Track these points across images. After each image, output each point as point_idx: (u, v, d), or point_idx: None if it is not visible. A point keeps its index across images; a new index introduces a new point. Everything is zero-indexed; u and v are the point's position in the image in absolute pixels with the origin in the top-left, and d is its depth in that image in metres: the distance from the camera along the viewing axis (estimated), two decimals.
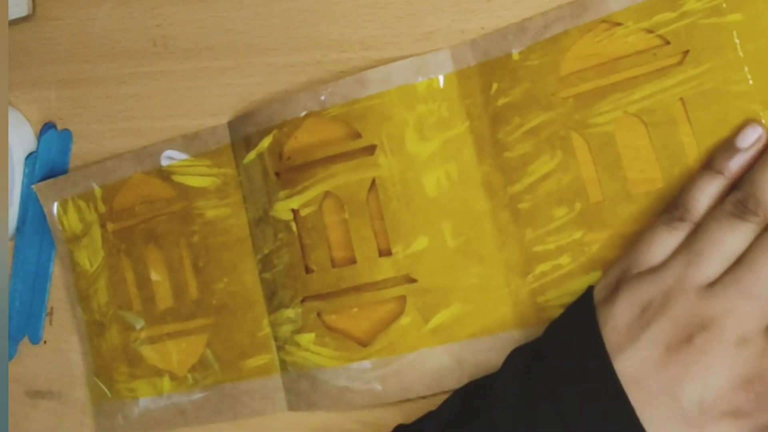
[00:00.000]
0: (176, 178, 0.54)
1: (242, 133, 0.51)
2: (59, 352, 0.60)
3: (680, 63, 0.41)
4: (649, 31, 0.42)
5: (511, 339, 0.44)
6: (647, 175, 0.42)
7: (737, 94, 0.40)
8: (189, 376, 0.54)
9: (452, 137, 0.46)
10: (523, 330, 0.44)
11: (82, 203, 0.57)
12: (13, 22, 0.61)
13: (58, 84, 0.60)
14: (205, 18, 0.54)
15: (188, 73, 0.55)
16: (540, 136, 0.44)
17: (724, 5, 0.40)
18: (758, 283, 0.36)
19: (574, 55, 0.43)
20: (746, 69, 0.40)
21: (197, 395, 0.54)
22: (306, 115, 0.48)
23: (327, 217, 0.49)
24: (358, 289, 0.48)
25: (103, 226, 0.56)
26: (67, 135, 0.59)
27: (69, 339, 0.60)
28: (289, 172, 0.49)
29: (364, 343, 0.48)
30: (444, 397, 0.44)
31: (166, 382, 0.55)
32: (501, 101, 0.45)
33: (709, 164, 0.40)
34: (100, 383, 0.57)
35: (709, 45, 0.40)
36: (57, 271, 0.60)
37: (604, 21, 0.42)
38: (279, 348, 0.50)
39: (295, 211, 0.49)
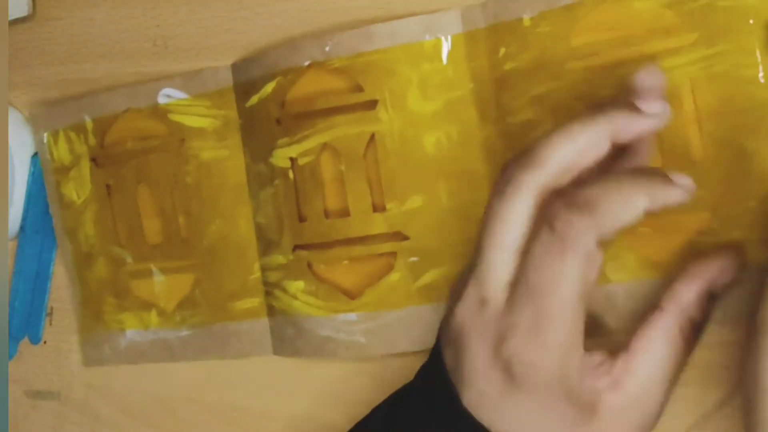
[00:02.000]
0: (172, 117, 0.53)
1: (246, 76, 0.50)
2: (59, 352, 0.60)
3: (693, 43, 0.40)
4: (666, 8, 0.41)
5: None
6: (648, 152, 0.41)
7: (747, 79, 0.39)
8: (177, 313, 0.54)
9: (455, 98, 0.45)
10: None
11: (72, 134, 0.56)
12: (13, 22, 0.60)
13: (58, 84, 0.60)
14: (205, 18, 0.54)
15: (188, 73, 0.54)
16: (545, 104, 0.43)
17: None
18: None
19: (586, 26, 0.43)
20: (758, 54, 0.39)
21: (184, 332, 0.54)
22: (309, 65, 0.48)
23: (324, 168, 0.48)
24: (349, 241, 0.48)
25: (93, 159, 0.56)
26: None
27: (69, 339, 0.60)
28: (290, 119, 0.49)
29: (351, 296, 0.48)
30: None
31: (153, 317, 0.55)
32: (508, 66, 0.44)
33: None
34: (87, 313, 0.58)
35: (723, 27, 0.40)
36: (57, 271, 0.60)
37: None
38: (267, 293, 0.51)
39: (293, 160, 0.49)
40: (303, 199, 0.49)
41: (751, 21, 0.39)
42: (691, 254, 0.40)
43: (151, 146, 0.54)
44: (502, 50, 0.44)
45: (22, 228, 0.59)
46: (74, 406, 0.60)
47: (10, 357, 0.60)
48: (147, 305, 0.55)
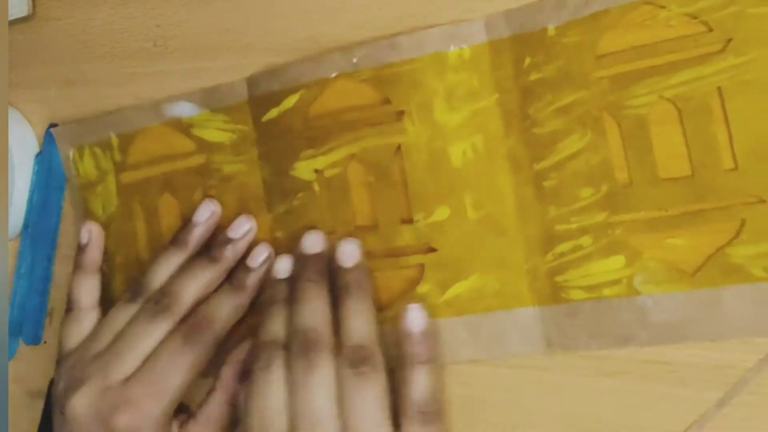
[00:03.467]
0: (195, 132, 0.53)
1: (263, 89, 0.50)
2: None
3: (722, 51, 0.40)
4: (693, 16, 0.40)
5: (526, 315, 0.44)
6: (677, 162, 0.41)
7: None
8: None
9: (480, 109, 0.45)
10: (540, 308, 0.44)
11: (98, 151, 0.56)
12: (13, 23, 0.60)
13: (58, 84, 0.60)
14: (205, 18, 0.54)
15: (188, 73, 0.54)
16: (571, 114, 0.43)
17: None
18: (157, 377, 0.46)
19: (613, 35, 0.42)
20: None
21: None
22: (337, 76, 0.48)
23: (352, 180, 0.48)
24: (378, 254, 0.47)
25: (118, 175, 0.56)
26: None
27: None
28: (315, 132, 0.49)
29: (380, 308, 0.48)
30: (457, 368, 0.46)
31: None
32: (533, 76, 0.44)
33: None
34: None
35: (754, 35, 0.39)
36: (57, 271, 0.60)
37: (647, 3, 0.41)
38: None
39: (318, 172, 0.49)
40: (329, 211, 0.48)
41: None
42: (721, 264, 0.40)
43: (177, 161, 0.54)
44: (527, 60, 0.44)
45: (24, 228, 0.59)
46: None
47: (10, 357, 0.60)
48: None
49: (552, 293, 0.44)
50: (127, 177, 0.56)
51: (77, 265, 0.53)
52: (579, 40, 0.43)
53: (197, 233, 0.51)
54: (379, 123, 0.47)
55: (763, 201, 0.39)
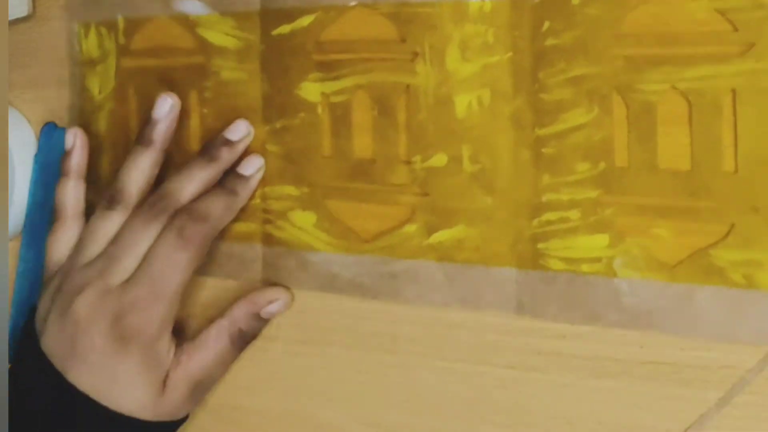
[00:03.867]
0: (200, 31, 0.53)
1: (278, 4, 0.50)
2: None
3: (743, 54, 0.39)
4: (721, 13, 0.39)
5: (503, 275, 0.45)
6: (678, 155, 0.41)
7: None
8: None
9: (492, 64, 0.45)
10: (519, 270, 0.45)
11: (103, 30, 0.56)
12: (13, 23, 0.59)
13: (58, 84, 0.59)
14: None
15: None
16: (581, 87, 0.43)
17: None
18: (156, 276, 0.46)
19: (637, 16, 0.41)
20: None
21: None
22: (356, 5, 0.47)
23: (356, 110, 0.48)
24: (371, 187, 0.48)
25: (119, 58, 0.56)
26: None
27: None
28: (326, 56, 0.49)
29: (364, 239, 0.48)
30: (430, 310, 0.47)
31: None
32: (549, 41, 0.43)
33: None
34: None
35: None
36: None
37: None
38: (267, 221, 0.51)
39: (324, 95, 0.48)
40: (330, 136, 0.49)
41: None
42: (702, 263, 0.40)
43: (177, 57, 0.54)
44: (546, 24, 0.43)
45: (24, 227, 0.58)
46: None
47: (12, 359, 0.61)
48: None
49: (532, 258, 0.44)
50: (128, 62, 0.56)
51: (63, 172, 0.52)
52: (602, 14, 0.42)
53: (160, 129, 0.51)
54: (392, 60, 0.47)
55: (756, 209, 0.39)
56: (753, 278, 0.39)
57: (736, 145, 0.40)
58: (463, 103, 0.45)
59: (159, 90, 0.53)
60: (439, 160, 0.46)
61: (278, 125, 0.50)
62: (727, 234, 0.40)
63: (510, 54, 0.44)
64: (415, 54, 0.46)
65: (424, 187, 0.46)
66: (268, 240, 0.51)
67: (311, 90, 0.49)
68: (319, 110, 0.49)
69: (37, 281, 0.57)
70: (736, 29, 0.39)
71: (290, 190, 0.50)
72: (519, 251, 0.45)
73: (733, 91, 0.39)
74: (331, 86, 0.48)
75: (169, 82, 0.54)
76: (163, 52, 0.54)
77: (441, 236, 0.46)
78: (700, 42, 0.40)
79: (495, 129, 0.45)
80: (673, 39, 0.41)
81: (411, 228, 0.47)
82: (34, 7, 0.60)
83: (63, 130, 0.56)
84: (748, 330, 0.40)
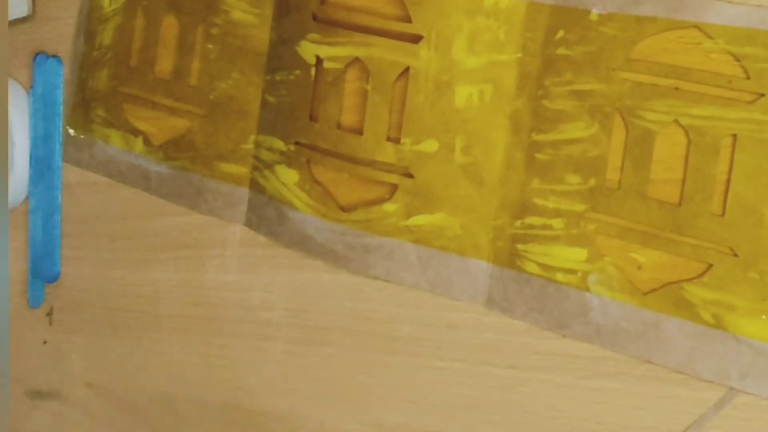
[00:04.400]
0: None
1: None
2: (59, 351, 0.59)
3: (751, 102, 0.39)
4: (736, 58, 0.39)
5: (478, 267, 0.46)
6: (669, 187, 0.42)
7: None
8: (162, 150, 0.54)
9: (499, 61, 0.44)
10: (492, 265, 0.45)
11: None
12: (13, 23, 0.57)
13: None
14: None
15: None
16: (584, 102, 0.43)
17: None
18: None
19: (651, 44, 0.41)
20: None
21: (165, 168, 0.54)
22: None
23: (348, 80, 0.47)
24: (355, 159, 0.48)
25: None
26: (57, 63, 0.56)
27: (69, 339, 0.59)
28: (326, 18, 0.47)
29: (343, 209, 0.48)
30: (397, 289, 0.47)
31: (139, 144, 0.55)
32: (561, 51, 0.43)
33: None
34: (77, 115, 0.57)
35: None
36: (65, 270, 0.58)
37: (696, 26, 0.40)
38: (256, 168, 0.51)
39: (319, 59, 0.47)
40: (319, 101, 0.48)
41: None
42: (675, 296, 0.41)
43: None
44: (560, 33, 0.43)
45: (30, 163, 0.58)
46: (74, 406, 0.60)
47: (37, 303, 0.60)
48: (135, 131, 0.55)
49: (509, 257, 0.45)
50: None
51: None
52: (617, 35, 0.41)
53: None
54: (395, 38, 0.46)
55: (735, 255, 0.40)
56: (722, 319, 0.41)
57: (726, 190, 0.40)
58: (463, 93, 0.45)
59: (167, 15, 0.52)
60: (431, 146, 0.46)
61: (277, 77, 0.49)
62: (704, 273, 0.41)
63: (519, 55, 0.44)
64: (420, 37, 0.45)
65: (409, 168, 0.46)
66: (255, 186, 0.51)
67: (308, 50, 0.48)
68: (312, 72, 0.48)
69: (48, 216, 0.56)
70: (748, 77, 0.39)
71: (279, 144, 0.50)
72: (497, 248, 0.45)
73: (734, 137, 0.40)
74: (326, 50, 0.47)
75: (178, 9, 0.53)
76: None
77: (420, 220, 0.47)
78: (711, 82, 0.40)
79: (492, 125, 0.45)
80: (684, 73, 0.40)
81: (390, 207, 0.47)
82: (34, 7, 0.58)
83: (56, 58, 0.55)
84: (709, 367, 0.41)
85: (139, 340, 0.57)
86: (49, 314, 0.61)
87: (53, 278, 0.61)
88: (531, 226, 0.44)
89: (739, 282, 0.40)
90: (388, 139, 0.47)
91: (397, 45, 0.45)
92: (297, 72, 0.48)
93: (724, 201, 0.40)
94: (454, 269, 0.46)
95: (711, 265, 0.41)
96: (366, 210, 0.47)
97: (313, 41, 0.47)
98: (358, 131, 0.47)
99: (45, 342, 0.62)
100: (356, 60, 0.47)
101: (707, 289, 0.41)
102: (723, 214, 0.40)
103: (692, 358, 0.41)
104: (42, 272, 0.60)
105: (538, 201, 0.44)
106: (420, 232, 0.46)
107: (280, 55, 0.49)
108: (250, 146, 0.51)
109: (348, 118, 0.48)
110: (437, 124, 0.45)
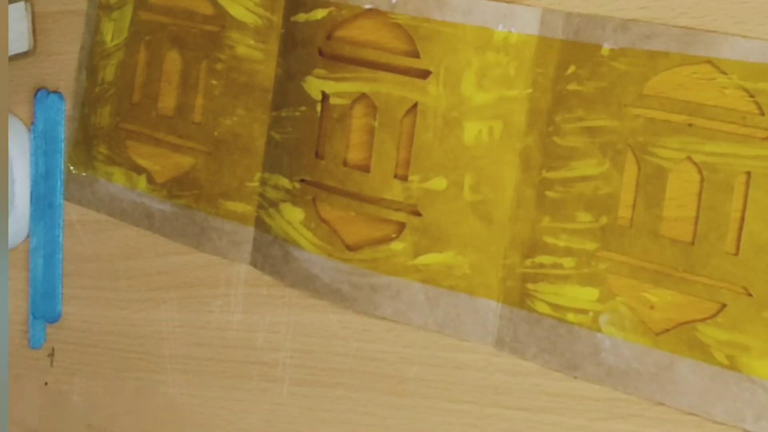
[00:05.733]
0: (222, 1, 0.51)
1: None
2: (60, 393, 0.59)
3: (766, 139, 0.39)
4: (750, 94, 0.39)
5: (487, 307, 0.45)
6: (682, 225, 0.41)
7: None
8: (166, 188, 0.53)
9: (510, 97, 0.44)
10: (502, 305, 0.45)
11: None
12: (14, 58, 0.57)
13: None
14: None
15: None
16: (596, 138, 0.42)
17: None
18: None
19: (664, 79, 0.41)
20: None
21: (168, 207, 0.54)
22: (370, 10, 0.45)
23: (355, 117, 0.47)
24: (362, 197, 0.47)
25: (137, 9, 0.54)
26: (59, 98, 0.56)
27: (70, 380, 0.58)
28: (333, 54, 0.47)
29: (349, 248, 0.48)
30: (406, 329, 0.46)
31: (142, 181, 0.55)
32: (572, 87, 0.42)
33: None
34: (78, 152, 0.57)
35: None
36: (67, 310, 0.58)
37: (709, 62, 0.39)
38: (262, 206, 0.50)
39: (325, 95, 0.47)
40: (325, 137, 0.47)
41: None
42: (688, 336, 0.40)
43: (193, 20, 0.52)
44: (572, 68, 0.42)
45: (31, 200, 0.58)
46: None
47: (38, 344, 0.60)
48: (138, 168, 0.55)
49: (519, 297, 0.44)
50: (145, 15, 0.54)
51: None
52: (629, 70, 0.41)
53: None
54: (402, 73, 0.45)
55: (749, 294, 0.39)
56: (736, 360, 0.40)
57: (740, 228, 0.39)
58: (473, 130, 0.44)
59: (171, 50, 0.52)
60: (439, 183, 0.45)
61: (283, 113, 0.49)
62: (717, 313, 0.40)
63: (529, 91, 0.43)
64: (428, 72, 0.44)
65: (417, 206, 0.46)
66: (260, 225, 0.50)
67: (314, 85, 0.47)
68: (318, 108, 0.47)
69: (50, 255, 0.56)
70: (762, 113, 0.39)
71: (284, 182, 0.49)
72: (507, 287, 0.44)
73: (748, 174, 0.39)
74: (332, 86, 0.47)
75: (181, 44, 0.52)
76: (180, 13, 0.53)
77: (428, 259, 0.46)
78: (724, 119, 0.39)
79: (502, 162, 0.44)
80: (698, 110, 0.40)
81: (398, 246, 0.46)
82: (34, 42, 0.58)
83: (57, 94, 0.54)
84: (723, 409, 0.40)
85: (142, 382, 0.56)
86: (51, 355, 0.61)
87: (54, 318, 0.60)
88: (541, 265, 0.43)
89: (754, 322, 0.39)
90: (396, 176, 0.46)
91: (405, 80, 0.45)
92: (303, 108, 0.48)
93: (738, 239, 0.40)
94: (463, 309, 0.45)
95: (725, 305, 0.40)
96: (373, 249, 0.47)
97: (319, 77, 0.47)
98: (365, 168, 0.46)
99: (46, 383, 0.61)
100: (363, 96, 0.46)
101: (721, 329, 0.40)
102: (737, 253, 0.40)
103: (706, 399, 0.40)
104: (43, 312, 0.59)
105: (549, 239, 0.43)
106: (428, 271, 0.46)
107: (285, 91, 0.49)
108: (255, 184, 0.50)
109: (355, 155, 0.47)
110: (446, 161, 0.45)
